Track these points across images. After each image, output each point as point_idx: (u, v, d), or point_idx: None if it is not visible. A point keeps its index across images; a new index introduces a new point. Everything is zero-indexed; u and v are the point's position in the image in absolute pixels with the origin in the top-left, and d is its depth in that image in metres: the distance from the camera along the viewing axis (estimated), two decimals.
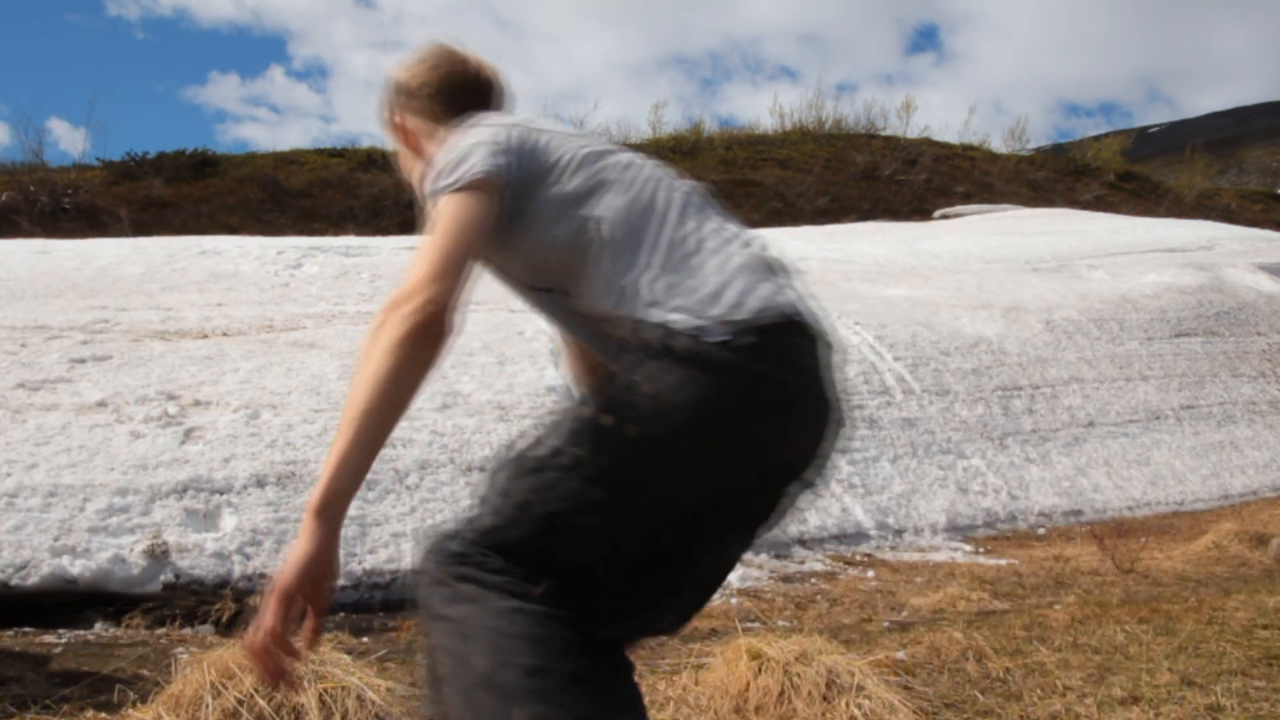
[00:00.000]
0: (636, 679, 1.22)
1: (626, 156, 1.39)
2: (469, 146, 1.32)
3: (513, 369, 5.88)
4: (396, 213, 17.87)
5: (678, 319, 1.17)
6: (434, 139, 1.53)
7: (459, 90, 1.55)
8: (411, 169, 1.58)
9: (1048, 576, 4.84)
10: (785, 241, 13.58)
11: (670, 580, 1.24)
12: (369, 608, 3.98)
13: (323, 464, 1.19)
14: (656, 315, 1.18)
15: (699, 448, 1.15)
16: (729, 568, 1.38)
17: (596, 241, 1.26)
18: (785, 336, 1.21)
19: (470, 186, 1.27)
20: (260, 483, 4.29)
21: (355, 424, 1.17)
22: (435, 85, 1.55)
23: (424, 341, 1.17)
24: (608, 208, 1.28)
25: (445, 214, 1.27)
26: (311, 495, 1.19)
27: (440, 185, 1.30)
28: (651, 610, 1.24)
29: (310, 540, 1.18)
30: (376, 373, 1.16)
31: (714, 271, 1.23)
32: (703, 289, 1.20)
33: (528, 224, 1.30)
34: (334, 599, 3.95)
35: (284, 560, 1.19)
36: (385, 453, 4.73)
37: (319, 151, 20.85)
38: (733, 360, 1.15)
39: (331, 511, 1.19)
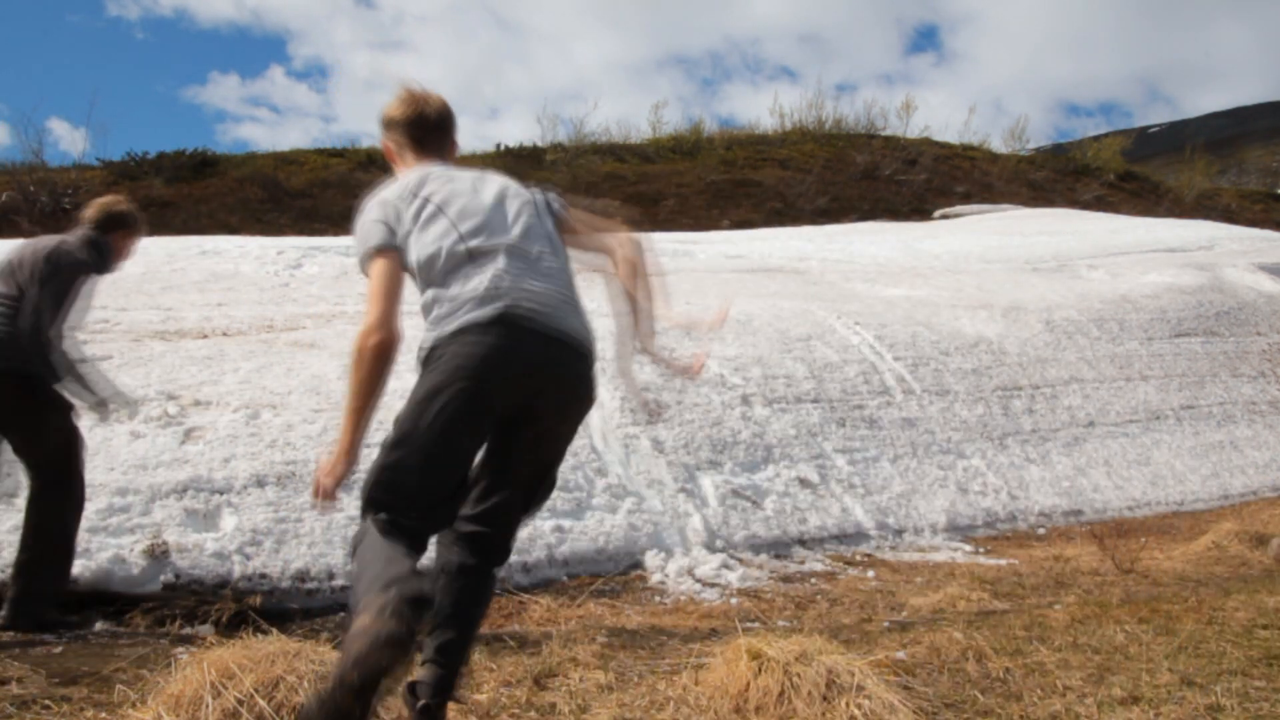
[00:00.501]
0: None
1: (440, 220, 2.11)
2: (368, 224, 2.16)
3: None
4: None
5: (427, 338, 2.10)
6: (402, 161, 2.32)
7: (418, 127, 2.29)
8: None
9: (1048, 576, 4.84)
10: (785, 241, 13.58)
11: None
12: None
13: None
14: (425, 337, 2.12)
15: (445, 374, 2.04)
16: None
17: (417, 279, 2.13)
18: (480, 341, 2.01)
19: (373, 254, 2.11)
20: (260, 483, 4.29)
21: (350, 414, 2.03)
22: (401, 122, 2.30)
23: (380, 358, 2.04)
24: (418, 264, 2.10)
25: (369, 273, 2.12)
26: (339, 441, 2.04)
27: (358, 253, 2.16)
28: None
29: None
30: (358, 381, 2.03)
31: (451, 306, 2.06)
32: (444, 319, 2.06)
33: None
34: (332, 599, 3.96)
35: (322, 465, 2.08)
36: None
37: (319, 151, 20.85)
38: (435, 350, 2.07)
39: (354, 451, 2.06)
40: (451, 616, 2.08)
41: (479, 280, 2.04)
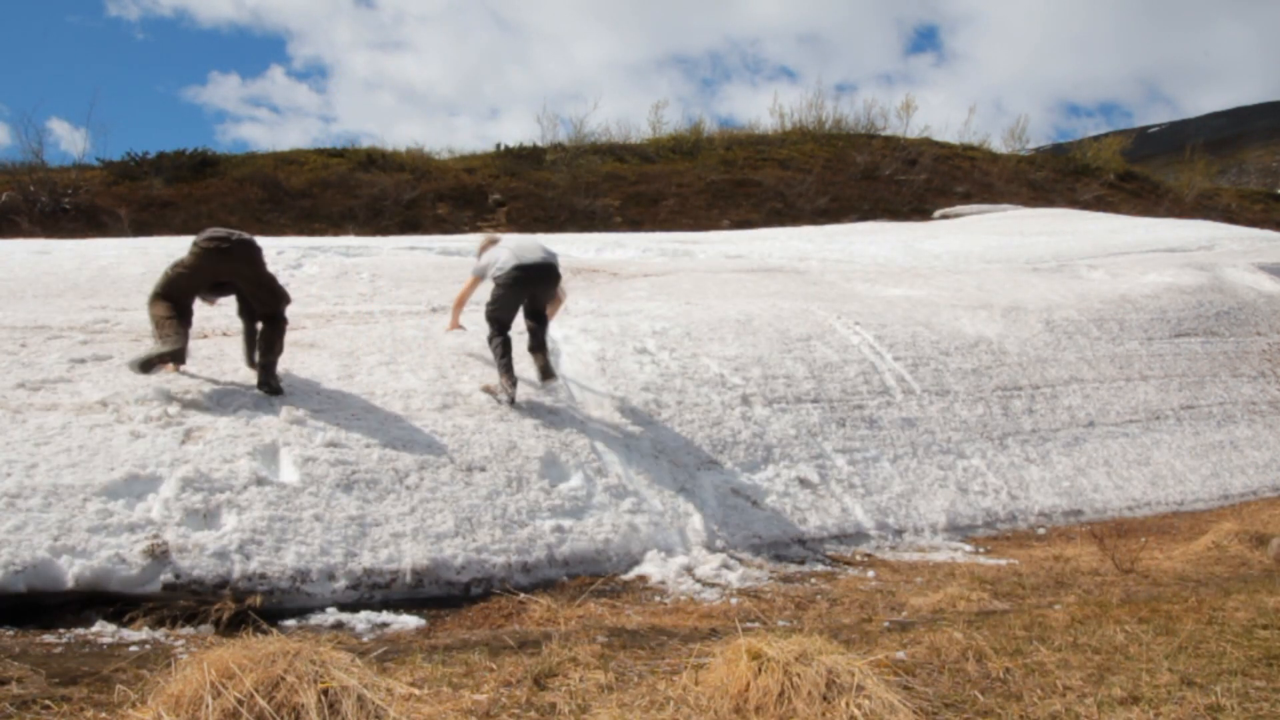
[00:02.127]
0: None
1: (510, 255, 5.80)
2: (481, 262, 6.05)
3: (533, 373, 5.89)
4: (396, 213, 17.86)
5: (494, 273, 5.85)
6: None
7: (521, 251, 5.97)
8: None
9: (1048, 576, 4.84)
10: (785, 241, 13.58)
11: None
12: (369, 607, 3.98)
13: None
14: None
15: (501, 293, 5.73)
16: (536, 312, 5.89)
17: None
18: (517, 270, 5.65)
19: (473, 275, 6.16)
20: (261, 482, 4.29)
21: (456, 307, 6.56)
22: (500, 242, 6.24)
23: (461, 299, 6.46)
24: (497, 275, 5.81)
25: (470, 276, 6.23)
26: (452, 314, 6.63)
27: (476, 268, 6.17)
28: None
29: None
30: (457, 301, 6.52)
31: (500, 260, 5.83)
32: (496, 265, 5.81)
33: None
34: (334, 598, 3.97)
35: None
36: (385, 453, 4.74)
37: (319, 151, 20.84)
38: (499, 277, 5.75)
39: (456, 317, 6.62)
40: (535, 341, 5.74)
41: (510, 255, 5.75)
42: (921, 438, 6.58)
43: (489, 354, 5.89)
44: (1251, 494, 7.44)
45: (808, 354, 7.03)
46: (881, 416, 6.60)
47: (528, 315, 5.80)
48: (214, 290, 5.15)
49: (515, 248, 5.79)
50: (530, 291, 5.72)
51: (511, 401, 5.56)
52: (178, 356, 4.79)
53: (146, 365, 4.73)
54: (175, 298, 4.93)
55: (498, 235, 6.38)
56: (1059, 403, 7.64)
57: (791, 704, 2.38)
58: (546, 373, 5.72)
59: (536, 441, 5.21)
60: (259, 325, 5.14)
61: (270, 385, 5.03)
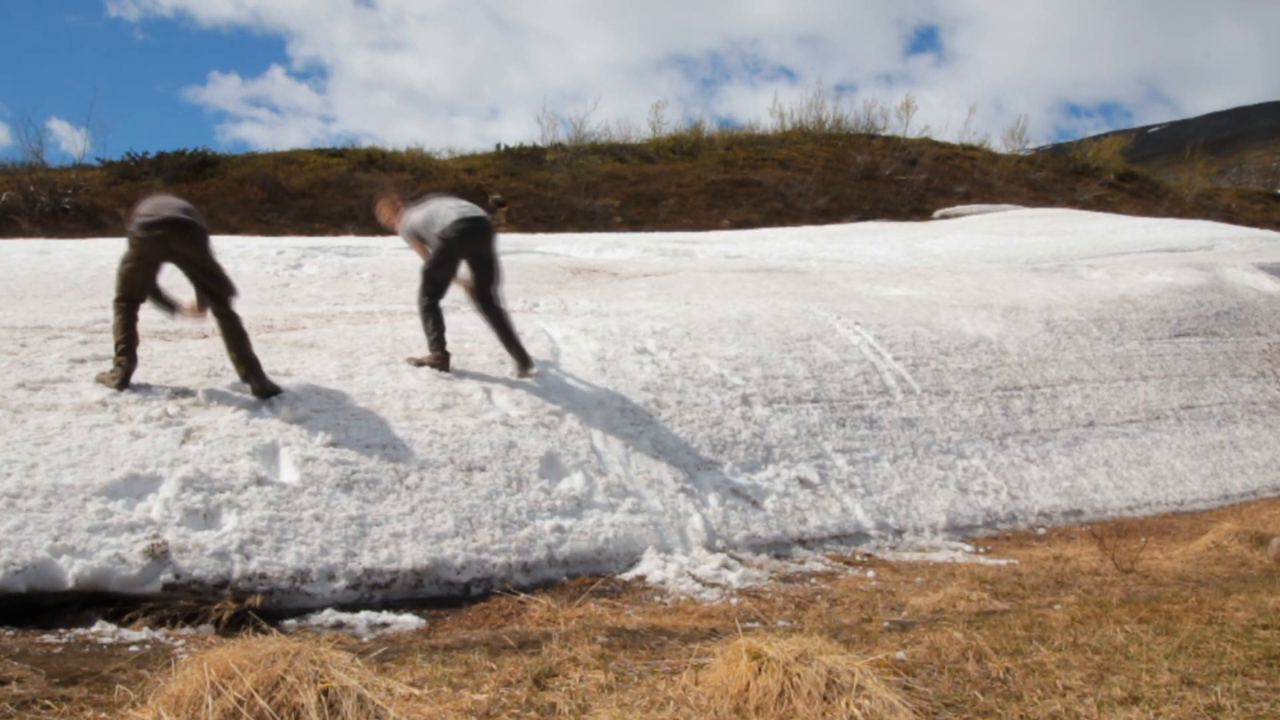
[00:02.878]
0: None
1: (442, 209, 5.77)
2: (412, 220, 5.89)
3: (512, 368, 5.89)
4: None
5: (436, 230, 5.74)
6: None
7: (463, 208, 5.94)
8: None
9: (1048, 576, 4.84)
10: (785, 241, 13.58)
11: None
12: (369, 607, 3.98)
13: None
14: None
15: (447, 248, 5.68)
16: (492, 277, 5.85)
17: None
18: (462, 222, 5.63)
19: (411, 238, 5.97)
20: (261, 482, 4.29)
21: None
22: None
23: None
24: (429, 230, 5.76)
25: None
26: None
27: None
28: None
29: None
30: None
31: (440, 214, 5.74)
32: (438, 219, 5.72)
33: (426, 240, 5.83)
34: (332, 599, 3.96)
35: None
36: (385, 453, 4.73)
37: (319, 151, 20.83)
38: (444, 231, 5.64)
39: None
40: (502, 333, 5.81)
41: (450, 210, 5.72)
42: (921, 438, 6.58)
43: (424, 331, 5.71)
44: (1251, 494, 7.44)
45: (808, 354, 7.03)
46: (881, 416, 6.60)
47: (479, 299, 5.78)
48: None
49: (453, 204, 5.73)
50: (475, 249, 5.65)
51: (445, 368, 5.61)
52: (123, 385, 4.82)
53: (102, 383, 4.85)
54: (135, 297, 4.88)
55: (394, 193, 6.20)
56: (1059, 403, 7.64)
57: (791, 704, 2.38)
58: (524, 362, 5.81)
59: (536, 441, 5.21)
60: (217, 326, 5.01)
61: (265, 389, 4.95)
